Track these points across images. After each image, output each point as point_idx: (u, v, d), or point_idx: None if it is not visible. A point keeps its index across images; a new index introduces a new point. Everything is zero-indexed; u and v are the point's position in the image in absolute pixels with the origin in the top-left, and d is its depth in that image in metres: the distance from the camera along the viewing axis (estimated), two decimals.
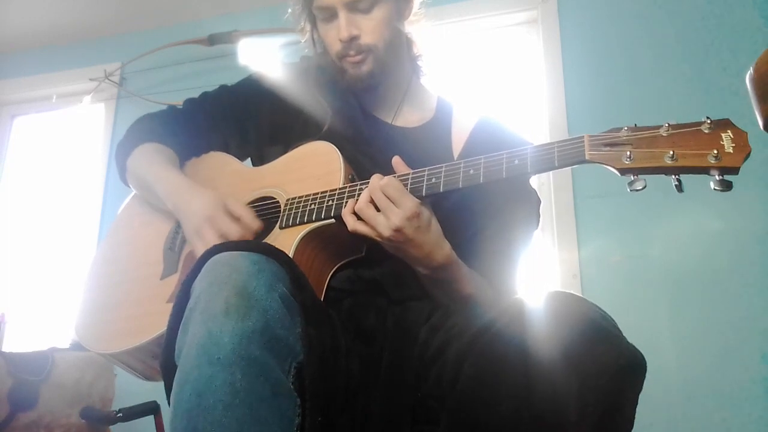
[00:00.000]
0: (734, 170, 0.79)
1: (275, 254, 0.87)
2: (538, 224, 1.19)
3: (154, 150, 1.28)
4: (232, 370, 0.74)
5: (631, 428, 0.79)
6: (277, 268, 0.85)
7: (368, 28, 1.14)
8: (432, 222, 0.98)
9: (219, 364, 0.74)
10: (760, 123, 0.92)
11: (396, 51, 1.20)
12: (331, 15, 1.15)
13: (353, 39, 1.13)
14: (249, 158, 1.33)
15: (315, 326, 0.85)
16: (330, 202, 1.05)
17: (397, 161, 1.03)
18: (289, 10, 1.25)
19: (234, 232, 1.08)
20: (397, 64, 1.21)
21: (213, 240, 1.07)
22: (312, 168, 1.14)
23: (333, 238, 1.07)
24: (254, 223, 1.11)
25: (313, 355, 0.83)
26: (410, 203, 0.94)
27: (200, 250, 1.07)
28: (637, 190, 0.83)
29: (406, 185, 0.98)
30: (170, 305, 0.95)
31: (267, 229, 1.12)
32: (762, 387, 1.91)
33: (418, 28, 1.24)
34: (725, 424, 1.91)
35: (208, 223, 1.08)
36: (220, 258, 0.84)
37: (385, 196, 0.95)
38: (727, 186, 0.79)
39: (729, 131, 0.81)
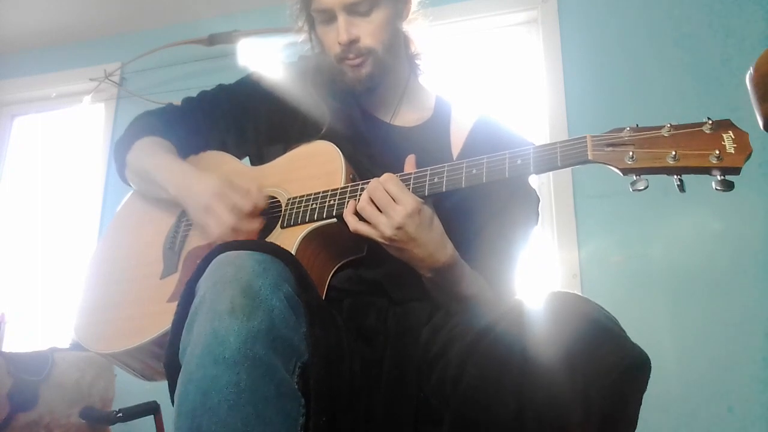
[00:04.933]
0: (736, 170, 0.79)
1: (280, 254, 0.87)
2: (537, 223, 1.19)
3: (154, 142, 1.28)
4: (237, 369, 0.74)
5: (635, 428, 0.79)
6: (282, 267, 0.85)
7: (367, 31, 1.13)
8: (434, 220, 0.98)
9: (224, 363, 0.74)
10: (760, 123, 0.92)
11: (395, 51, 1.20)
12: (329, 17, 1.15)
13: (352, 42, 1.13)
14: (247, 157, 1.33)
15: (320, 327, 0.85)
16: (331, 202, 1.05)
17: (410, 159, 1.03)
18: (288, 12, 1.25)
19: (245, 204, 1.08)
20: (395, 64, 1.21)
21: (224, 213, 1.06)
22: (313, 168, 1.14)
23: (334, 238, 1.07)
24: (261, 196, 1.11)
25: (318, 356, 0.83)
26: (411, 199, 0.94)
27: (212, 226, 1.07)
28: (639, 190, 0.84)
29: (408, 185, 0.98)
30: (170, 305, 0.96)
31: (268, 228, 1.12)
32: (763, 387, 1.91)
33: (416, 26, 1.24)
34: (726, 425, 1.91)
35: (216, 198, 1.08)
36: (225, 257, 0.84)
37: (386, 191, 0.96)
38: (728, 186, 0.79)
39: (730, 132, 0.81)
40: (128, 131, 1.33)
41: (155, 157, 1.24)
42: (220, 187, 1.10)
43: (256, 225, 1.09)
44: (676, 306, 2.04)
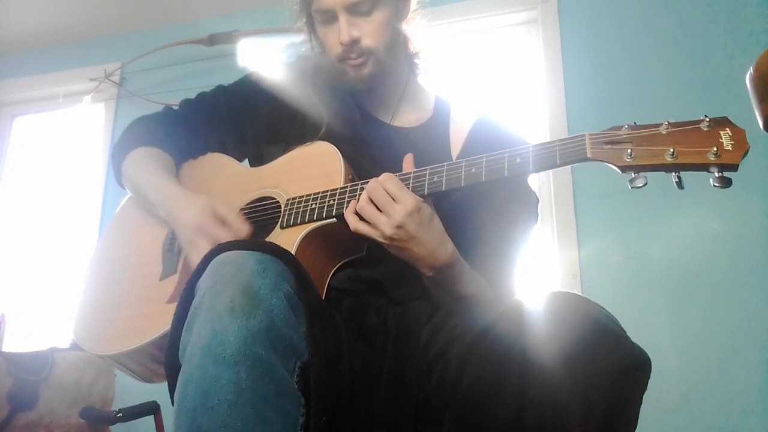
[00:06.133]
0: (733, 167, 0.79)
1: (280, 254, 0.87)
2: (536, 223, 1.19)
3: (149, 155, 1.28)
4: (236, 369, 0.74)
5: (635, 428, 0.79)
6: (282, 267, 0.85)
7: (369, 31, 1.13)
8: (434, 219, 0.98)
9: (224, 363, 0.74)
10: (760, 123, 0.92)
11: (395, 51, 1.20)
12: (330, 18, 1.14)
13: (354, 42, 1.12)
14: (246, 159, 1.32)
15: (320, 327, 0.85)
16: (331, 202, 1.05)
17: (408, 157, 1.04)
18: (287, 13, 1.24)
19: (225, 238, 1.08)
20: (395, 64, 1.21)
21: (207, 249, 1.06)
22: (312, 168, 1.14)
23: (334, 238, 1.07)
24: (243, 226, 1.11)
25: (318, 356, 0.83)
26: (410, 198, 0.94)
27: (195, 260, 1.06)
28: (638, 187, 0.84)
29: (407, 185, 0.98)
30: (170, 306, 0.95)
31: (268, 229, 1.12)
32: (762, 387, 1.91)
33: (414, 26, 1.23)
34: (725, 425, 1.91)
35: (198, 233, 1.09)
36: (225, 257, 0.84)
37: (385, 191, 0.96)
38: (726, 183, 0.80)
39: (727, 129, 0.81)
40: (125, 137, 1.33)
41: (148, 173, 1.24)
42: (202, 218, 1.10)
43: None
44: (676, 306, 2.04)
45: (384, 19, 1.14)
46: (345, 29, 1.12)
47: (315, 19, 1.18)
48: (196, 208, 1.12)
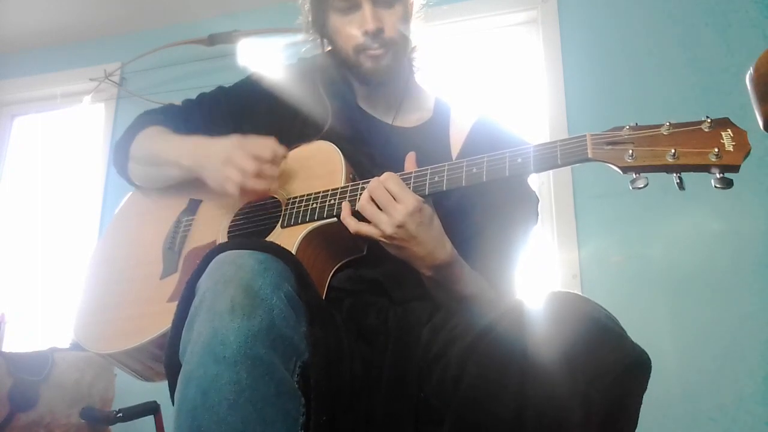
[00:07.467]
0: (735, 168, 0.80)
1: (281, 253, 0.87)
2: (536, 223, 1.19)
3: (159, 130, 1.29)
4: (237, 368, 0.74)
5: (635, 428, 0.80)
6: (282, 267, 0.85)
7: (391, 22, 1.14)
8: (434, 219, 0.98)
9: (224, 362, 0.74)
10: (760, 123, 0.92)
11: (405, 48, 1.20)
12: (352, 6, 1.14)
13: (379, 31, 1.12)
14: None
15: (320, 326, 0.85)
16: (332, 201, 1.05)
17: (410, 156, 1.04)
18: (299, 2, 1.23)
19: (265, 150, 1.08)
20: (403, 61, 1.21)
21: (245, 161, 1.07)
22: (313, 168, 1.14)
23: (334, 238, 1.07)
24: (279, 145, 1.11)
25: (318, 355, 0.83)
26: (411, 198, 0.95)
27: (234, 175, 1.07)
28: (639, 188, 0.84)
29: (408, 184, 0.98)
30: (170, 305, 0.95)
31: (268, 228, 1.12)
32: (762, 387, 1.91)
33: (413, 25, 1.23)
34: (725, 424, 1.91)
35: (236, 149, 1.09)
36: (225, 257, 0.84)
37: (386, 190, 0.96)
38: (727, 184, 0.80)
39: (729, 130, 0.82)
40: (130, 128, 1.33)
41: (163, 138, 1.24)
42: (237, 140, 1.11)
43: (276, 171, 1.10)
44: (676, 306, 2.04)
45: (403, 13, 1.15)
46: (371, 18, 1.12)
47: (334, 8, 1.16)
48: (224, 141, 1.12)
